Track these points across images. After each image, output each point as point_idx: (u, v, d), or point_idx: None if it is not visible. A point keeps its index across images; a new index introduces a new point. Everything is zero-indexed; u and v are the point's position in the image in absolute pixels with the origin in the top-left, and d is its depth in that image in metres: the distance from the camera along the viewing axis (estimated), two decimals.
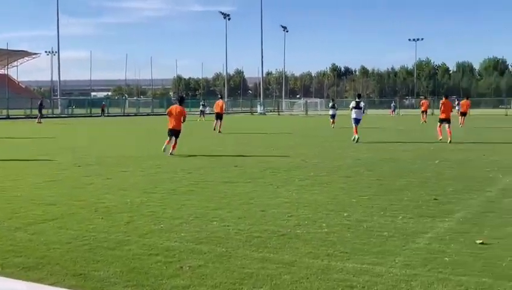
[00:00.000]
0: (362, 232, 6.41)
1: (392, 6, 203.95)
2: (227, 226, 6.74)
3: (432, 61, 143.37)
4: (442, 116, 21.20)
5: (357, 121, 21.36)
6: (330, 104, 37.04)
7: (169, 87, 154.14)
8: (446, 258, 5.32)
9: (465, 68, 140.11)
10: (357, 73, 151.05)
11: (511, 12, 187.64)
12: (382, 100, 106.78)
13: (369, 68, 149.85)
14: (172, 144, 15.97)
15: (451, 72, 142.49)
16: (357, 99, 22.26)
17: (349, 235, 6.24)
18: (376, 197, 8.73)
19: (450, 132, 20.31)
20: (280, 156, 15.26)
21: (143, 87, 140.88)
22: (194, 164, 13.57)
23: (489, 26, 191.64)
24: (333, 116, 33.67)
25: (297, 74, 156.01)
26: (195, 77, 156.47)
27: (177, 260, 5.33)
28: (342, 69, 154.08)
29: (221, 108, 29.15)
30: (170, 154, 15.56)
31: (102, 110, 65.90)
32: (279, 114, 75.61)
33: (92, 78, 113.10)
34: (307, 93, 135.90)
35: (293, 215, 7.33)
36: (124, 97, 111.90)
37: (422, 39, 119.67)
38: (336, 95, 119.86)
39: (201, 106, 51.49)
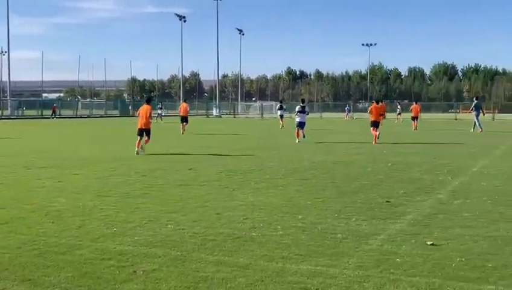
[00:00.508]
0: (316, 234, 6.47)
1: (345, 10, 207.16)
2: (182, 229, 6.69)
3: (384, 66, 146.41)
4: (373, 118, 22.93)
5: (301, 124, 22.89)
6: (278, 106, 39.53)
7: (123, 89, 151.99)
8: (398, 259, 5.43)
9: (416, 73, 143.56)
10: (312, 77, 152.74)
11: (459, 18, 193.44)
12: (336, 104, 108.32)
13: (324, 72, 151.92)
14: (144, 140, 17.14)
15: (403, 76, 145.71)
16: (301, 104, 23.97)
17: (303, 238, 6.29)
18: (330, 199, 8.84)
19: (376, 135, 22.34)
20: (236, 159, 15.27)
21: (96, 88, 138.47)
22: (148, 166, 13.42)
23: (439, 31, 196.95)
24: (281, 116, 36.61)
25: (253, 76, 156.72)
26: (150, 79, 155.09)
27: (130, 264, 5.25)
28: (297, 72, 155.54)
29: (185, 111, 30.42)
30: (141, 148, 16.84)
31: (54, 112, 64.31)
32: (234, 117, 75.76)
33: (43, 79, 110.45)
34: (262, 96, 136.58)
35: (249, 218, 7.33)
36: (77, 99, 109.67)
37: (375, 44, 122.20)
38: (291, 98, 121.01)
39: (158, 109, 51.41)
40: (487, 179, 11.28)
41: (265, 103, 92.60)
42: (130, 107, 79.65)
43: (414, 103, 39.56)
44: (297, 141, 22.25)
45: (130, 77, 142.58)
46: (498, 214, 7.65)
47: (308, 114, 24.47)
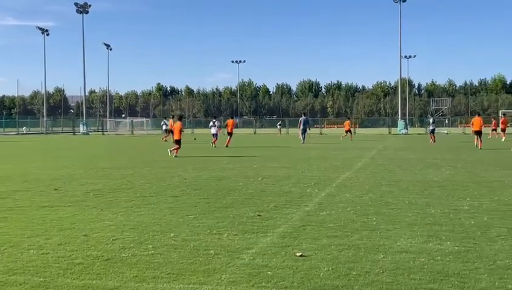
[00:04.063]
0: (189, 251, 6.40)
1: (215, 27, 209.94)
2: (46, 253, 6.31)
3: (254, 83, 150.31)
4: (229, 129, 31.87)
5: (214, 135, 33.09)
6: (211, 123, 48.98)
7: None
8: (269, 272, 5.52)
9: (284, 89, 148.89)
10: (183, 93, 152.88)
11: (321, 37, 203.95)
12: (208, 120, 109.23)
13: (195, 88, 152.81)
14: (176, 148, 23.27)
15: (271, 93, 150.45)
16: (213, 120, 35.86)
17: (175, 256, 6.20)
18: (202, 215, 8.82)
19: (230, 141, 31.82)
20: (104, 178, 14.75)
21: None
22: (8, 188, 12.55)
23: (304, 49, 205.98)
24: (166, 131, 43.09)
25: (122, 92, 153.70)
26: (11, 95, 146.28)
27: None
28: (168, 88, 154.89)
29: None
30: (175, 156, 22.61)
31: None
32: (103, 134, 73.57)
33: None
34: (133, 112, 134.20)
35: (118, 239, 7.09)
36: None
37: (244, 61, 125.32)
38: (162, 115, 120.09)
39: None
40: (350, 190, 11.91)
41: (135, 120, 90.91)
42: None
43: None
44: (212, 145, 31.41)
45: None
46: (360, 224, 8.08)
47: (220, 127, 35.13)
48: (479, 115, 33.21)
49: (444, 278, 5.31)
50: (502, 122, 43.16)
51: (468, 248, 6.54)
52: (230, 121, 33.84)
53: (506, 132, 42.14)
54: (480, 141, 29.41)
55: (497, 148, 29.16)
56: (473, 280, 5.25)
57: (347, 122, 46.62)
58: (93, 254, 6.32)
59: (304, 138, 36.58)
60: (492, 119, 48.47)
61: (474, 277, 5.34)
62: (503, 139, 38.45)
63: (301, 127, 37.16)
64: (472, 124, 31.48)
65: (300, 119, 37.98)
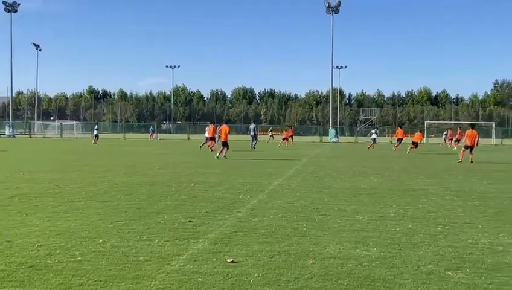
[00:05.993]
0: (117, 258, 6.28)
1: (148, 32, 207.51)
2: None
3: (188, 88, 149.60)
4: (219, 133, 31.47)
5: (207, 138, 35.00)
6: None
7: None
8: (199, 279, 5.50)
9: (218, 96, 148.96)
10: (116, 96, 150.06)
11: (254, 44, 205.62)
12: (140, 124, 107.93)
13: (128, 92, 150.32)
14: (225, 151, 25.63)
15: (205, 99, 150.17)
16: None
17: (104, 263, 6.06)
18: (133, 221, 8.67)
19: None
20: (31, 182, 14.23)
21: None
22: None
23: (238, 55, 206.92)
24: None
25: (51, 94, 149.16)
26: None
27: None
28: (100, 92, 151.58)
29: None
30: (224, 157, 25.20)
31: None
32: (30, 137, 71.07)
33: None
34: (62, 115, 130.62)
35: (44, 245, 6.86)
36: None
37: (178, 66, 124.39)
38: (93, 118, 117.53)
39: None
40: (282, 197, 12.04)
41: (65, 123, 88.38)
42: None
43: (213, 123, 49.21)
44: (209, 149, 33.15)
45: None
46: (291, 230, 8.19)
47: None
48: (401, 127, 45.19)
49: (370, 283, 5.46)
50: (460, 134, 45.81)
51: (394, 253, 6.76)
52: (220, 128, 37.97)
53: (459, 143, 44.84)
54: (397, 146, 39.56)
55: (423, 153, 30.30)
56: (397, 285, 5.43)
57: (290, 130, 51.18)
58: (17, 260, 6.08)
59: (254, 143, 40.23)
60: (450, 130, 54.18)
61: (399, 282, 5.53)
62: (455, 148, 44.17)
63: (251, 133, 41.43)
64: (397, 134, 41.25)
65: (250, 126, 43.02)
